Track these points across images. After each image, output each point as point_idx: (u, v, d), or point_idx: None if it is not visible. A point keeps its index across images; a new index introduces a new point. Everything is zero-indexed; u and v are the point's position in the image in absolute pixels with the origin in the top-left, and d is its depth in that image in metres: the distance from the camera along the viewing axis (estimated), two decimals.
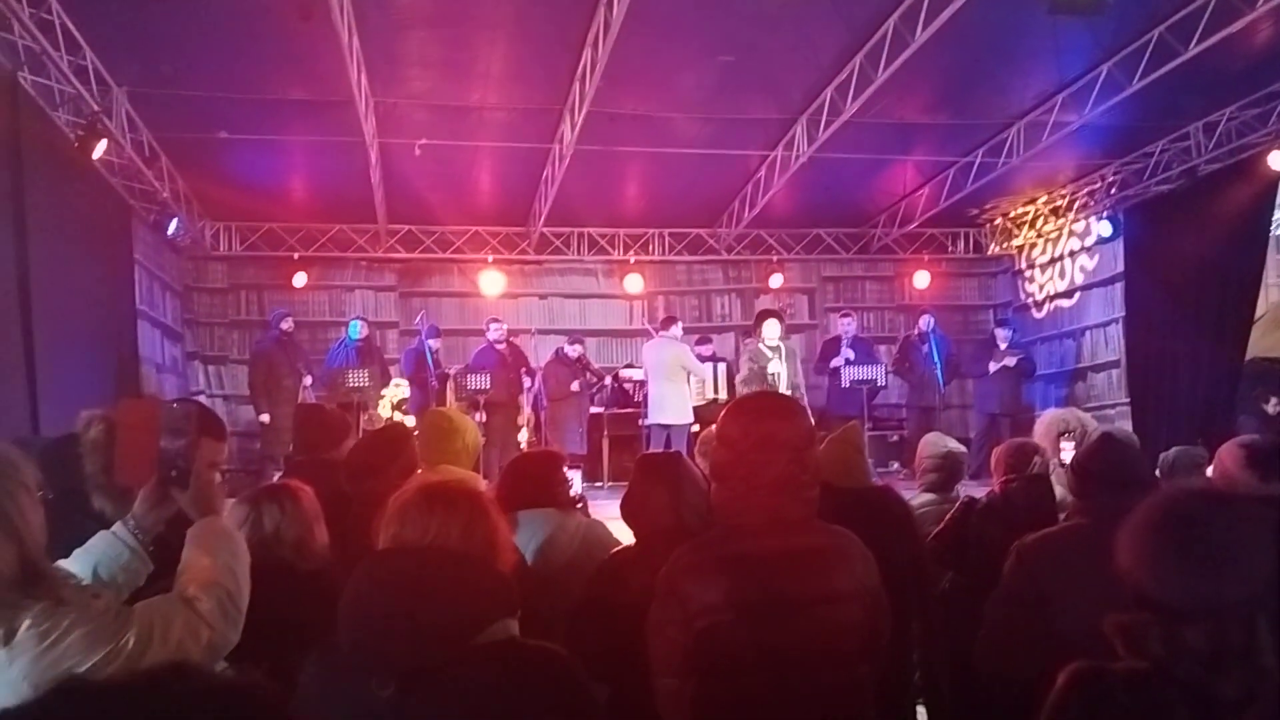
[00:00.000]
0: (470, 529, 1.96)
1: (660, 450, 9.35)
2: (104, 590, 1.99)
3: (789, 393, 8.95)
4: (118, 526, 2.14)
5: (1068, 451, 4.37)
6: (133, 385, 9.59)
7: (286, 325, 11.17)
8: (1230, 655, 1.58)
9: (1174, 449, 5.17)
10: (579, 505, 3.78)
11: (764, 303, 13.31)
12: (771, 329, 9.57)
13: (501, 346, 11.02)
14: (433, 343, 11.11)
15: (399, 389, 11.58)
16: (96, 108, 7.64)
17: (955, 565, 3.80)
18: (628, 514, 2.96)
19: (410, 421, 10.87)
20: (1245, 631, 1.59)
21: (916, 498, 4.76)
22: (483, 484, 4.03)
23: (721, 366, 11.39)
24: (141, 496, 2.14)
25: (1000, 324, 12.33)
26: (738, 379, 10.01)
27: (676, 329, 10.84)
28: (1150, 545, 1.69)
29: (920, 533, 3.68)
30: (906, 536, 3.43)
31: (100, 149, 7.89)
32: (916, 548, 3.48)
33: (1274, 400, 9.79)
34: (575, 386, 11.05)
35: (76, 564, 2.09)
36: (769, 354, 9.50)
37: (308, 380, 10.95)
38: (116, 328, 9.55)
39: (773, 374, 9.43)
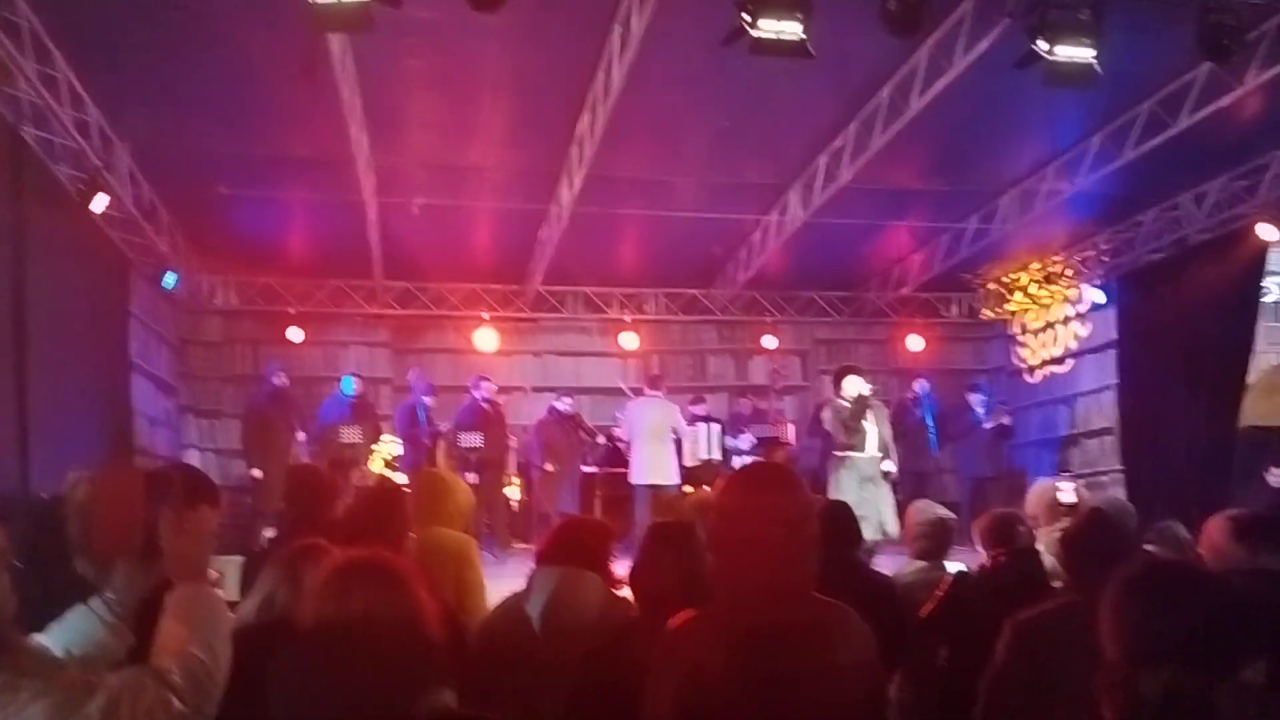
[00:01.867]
0: (390, 601, 1.93)
1: (643, 521, 9.27)
2: (73, 661, 1.94)
3: (879, 455, 8.60)
4: (94, 600, 2.09)
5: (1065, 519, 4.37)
6: (124, 439, 9.54)
7: (280, 380, 11.15)
8: (1183, 704, 1.65)
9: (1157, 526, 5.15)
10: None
11: (757, 365, 13.37)
12: (852, 385, 8.78)
13: (487, 405, 11.00)
14: (426, 400, 11.09)
15: (391, 445, 11.53)
16: (98, 162, 7.71)
17: (949, 641, 3.77)
18: (636, 581, 2.97)
19: (402, 479, 10.83)
20: (1199, 681, 1.66)
21: (908, 566, 4.73)
22: (475, 548, 4.01)
23: (715, 427, 11.36)
24: (121, 568, 2.09)
25: (972, 389, 12.27)
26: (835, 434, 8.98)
27: (663, 390, 10.85)
28: (1116, 603, 1.78)
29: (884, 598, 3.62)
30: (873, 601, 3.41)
31: (101, 203, 7.95)
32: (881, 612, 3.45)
33: (1275, 471, 9.76)
34: (549, 468, 10.97)
35: (51, 640, 2.04)
36: (845, 405, 8.72)
37: (301, 436, 10.90)
38: (110, 381, 9.52)
39: (864, 431, 8.62)
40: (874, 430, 8.67)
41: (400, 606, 1.95)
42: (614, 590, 3.25)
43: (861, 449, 8.61)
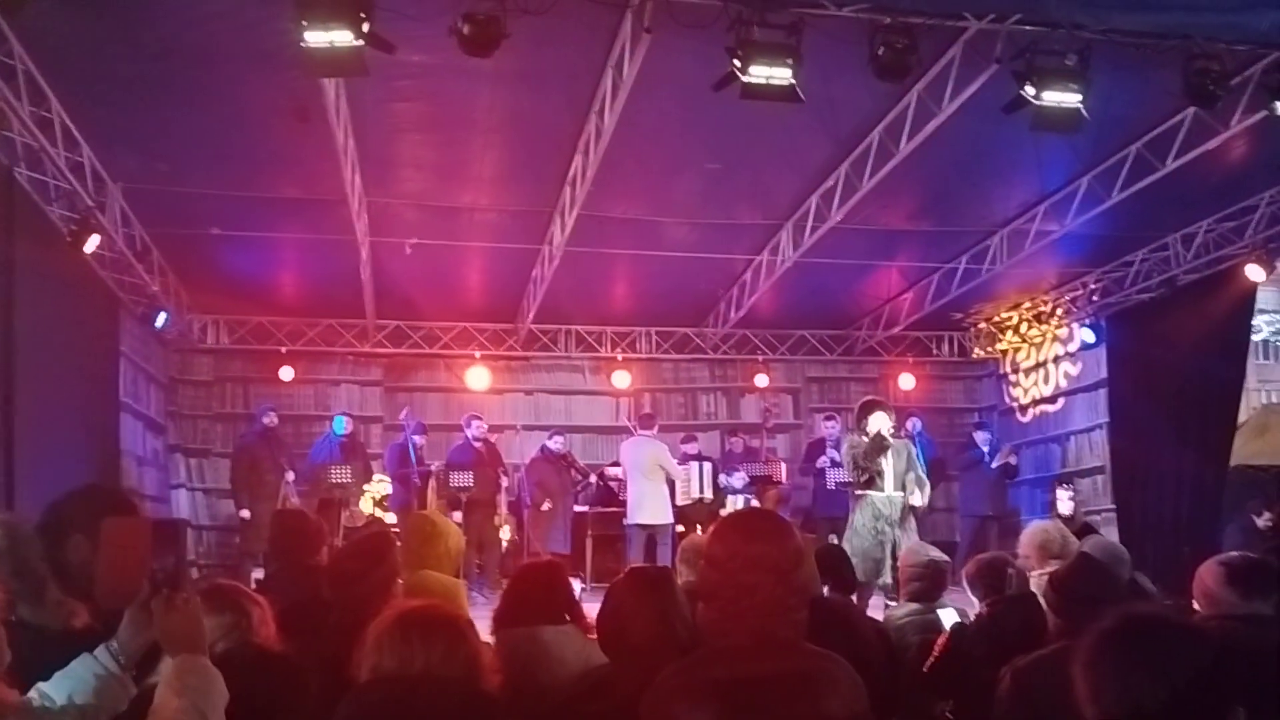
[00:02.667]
0: (450, 654, 1.93)
1: (635, 560, 9.21)
2: (66, 715, 1.91)
3: (898, 493, 8.28)
4: (100, 650, 2.07)
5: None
6: (112, 478, 9.47)
7: (269, 420, 11.12)
8: None
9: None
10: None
11: (749, 403, 13.37)
12: (878, 421, 8.43)
13: (479, 444, 10.97)
14: (417, 439, 11.05)
15: (381, 485, 11.48)
16: (91, 203, 7.72)
17: (953, 693, 3.74)
18: (607, 627, 2.85)
19: (391, 518, 10.77)
20: None
21: (900, 608, 4.71)
22: (464, 594, 3.98)
23: (707, 466, 11.34)
24: (127, 618, 2.07)
25: (979, 426, 12.35)
26: (844, 474, 8.85)
27: (655, 428, 10.83)
28: (1105, 666, 1.76)
29: (871, 646, 3.57)
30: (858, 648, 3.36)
31: (93, 244, 7.95)
32: (868, 657, 3.40)
33: (1266, 515, 9.77)
34: (546, 506, 10.89)
35: (54, 688, 2.02)
36: (862, 442, 8.39)
37: (290, 476, 10.85)
38: (98, 420, 9.48)
39: (880, 470, 8.29)
40: (891, 469, 8.36)
41: (459, 659, 1.94)
42: (587, 635, 3.18)
43: (880, 488, 8.33)
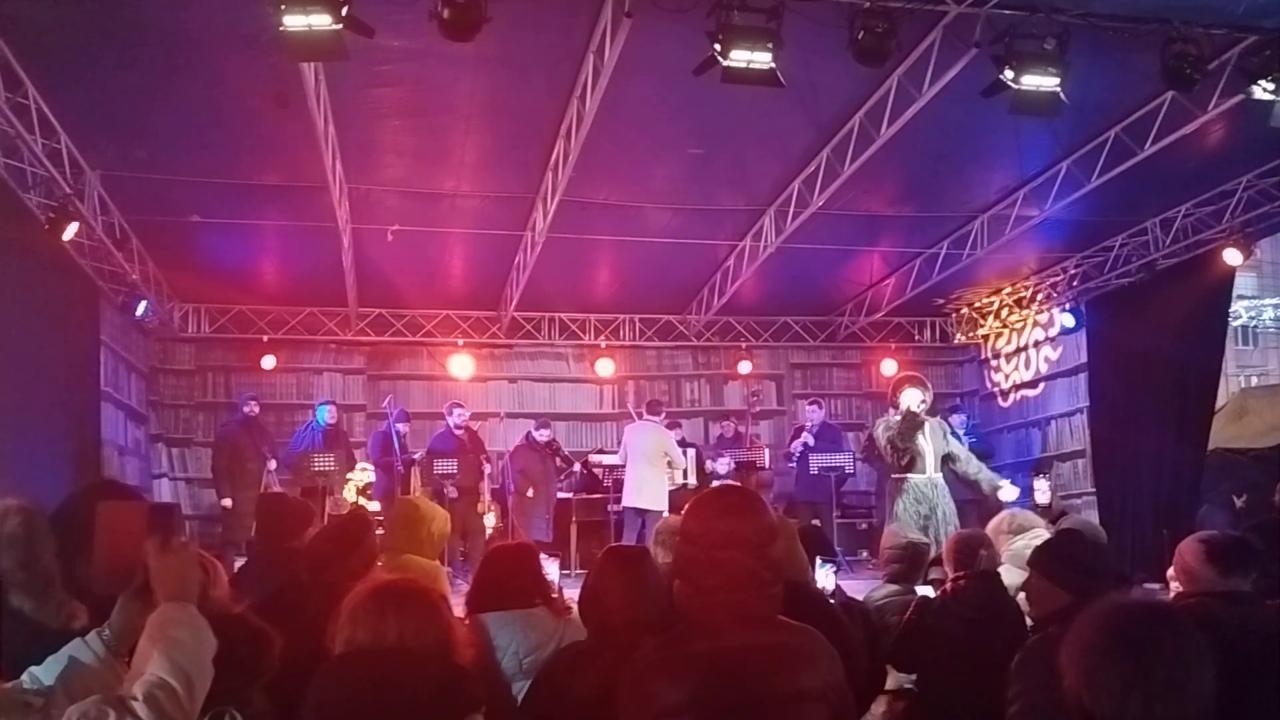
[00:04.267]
0: (423, 627, 1.94)
1: (628, 543, 9.22)
2: (40, 697, 1.90)
3: (938, 474, 7.85)
4: (91, 635, 2.05)
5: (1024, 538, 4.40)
6: (93, 468, 9.43)
7: (250, 409, 11.08)
8: None
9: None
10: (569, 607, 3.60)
11: (732, 390, 13.40)
12: (910, 397, 8.02)
13: (461, 432, 10.96)
14: (401, 427, 11.03)
15: (364, 473, 11.47)
16: (69, 190, 7.66)
17: (917, 667, 3.77)
18: (586, 605, 2.89)
19: (374, 507, 10.76)
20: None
21: (879, 589, 4.75)
22: (444, 576, 3.99)
23: (691, 452, 11.36)
24: (121, 603, 2.05)
25: (954, 410, 12.33)
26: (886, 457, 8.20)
27: (662, 415, 10.82)
28: (1103, 669, 1.70)
29: (845, 628, 3.56)
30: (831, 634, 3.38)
31: (71, 231, 7.89)
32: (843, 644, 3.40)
33: (1245, 495, 9.87)
34: (530, 494, 10.88)
35: (45, 672, 2.01)
36: (895, 420, 7.99)
37: (272, 464, 10.83)
38: (79, 409, 9.43)
39: (919, 451, 7.86)
40: (931, 449, 7.94)
41: (432, 632, 1.95)
42: (560, 615, 3.18)
43: (921, 470, 7.89)
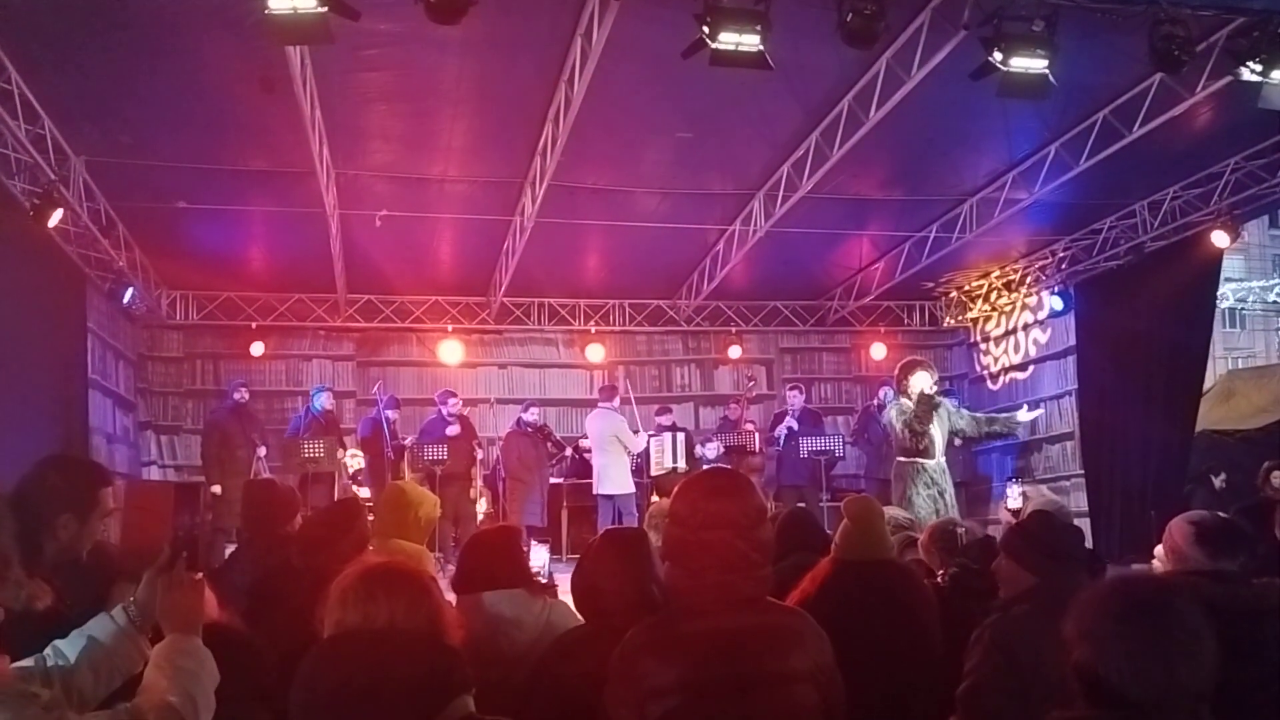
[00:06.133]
0: (413, 609, 1.94)
1: (623, 526, 9.24)
2: (46, 690, 1.90)
3: (944, 459, 7.87)
4: (116, 610, 2.06)
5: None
6: (82, 455, 9.39)
7: (240, 396, 11.05)
8: None
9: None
10: (552, 588, 3.62)
11: (722, 375, 13.41)
12: (920, 381, 8.06)
13: (454, 419, 10.95)
14: (390, 413, 11.01)
15: (355, 459, 11.45)
16: (53, 176, 7.61)
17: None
18: (582, 590, 2.88)
19: (365, 493, 10.75)
20: None
21: None
22: (429, 558, 3.99)
23: (681, 436, 11.37)
24: (146, 580, 2.06)
25: (946, 394, 12.36)
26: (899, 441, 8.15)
27: (616, 400, 10.87)
28: (1121, 636, 1.70)
29: (934, 609, 3.55)
30: (919, 608, 3.38)
31: (56, 218, 7.84)
32: (931, 623, 3.40)
33: (1223, 475, 9.92)
34: (520, 480, 10.90)
35: (69, 646, 2.02)
36: (910, 405, 7.97)
37: (262, 451, 10.80)
38: (67, 398, 9.38)
39: (931, 435, 7.81)
40: (940, 434, 7.94)
41: (422, 613, 1.95)
42: (539, 597, 3.18)
43: (931, 455, 7.89)
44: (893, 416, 8.14)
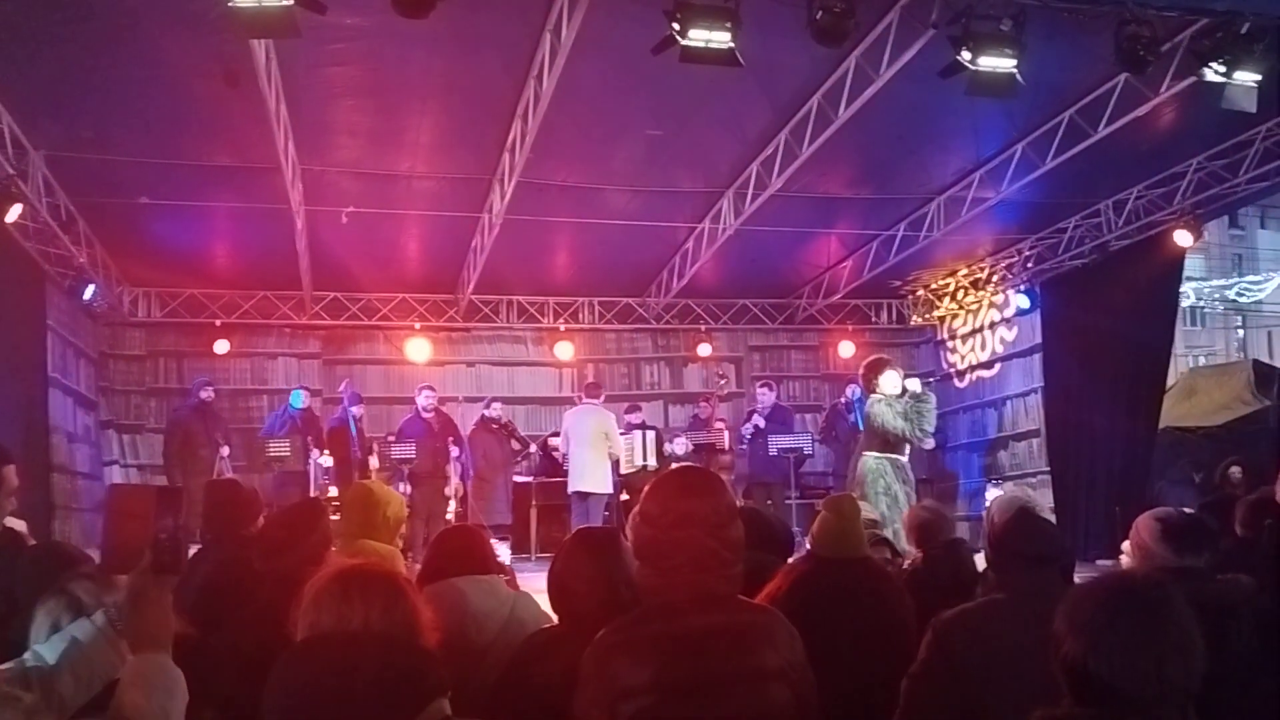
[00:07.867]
0: (388, 611, 1.90)
1: (598, 525, 9.21)
2: (28, 693, 1.87)
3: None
4: (97, 614, 2.04)
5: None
6: (41, 456, 9.25)
7: (206, 394, 10.92)
8: None
9: None
10: (507, 579, 3.65)
11: (691, 373, 13.41)
12: (892, 380, 8.08)
13: (429, 415, 10.87)
14: (355, 410, 10.89)
15: (324, 459, 11.33)
16: (11, 171, 7.47)
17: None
18: (555, 590, 2.86)
19: (332, 491, 10.64)
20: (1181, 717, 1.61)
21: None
22: (400, 560, 3.94)
23: (650, 434, 11.36)
24: (128, 583, 2.03)
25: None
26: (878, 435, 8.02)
27: (602, 397, 10.82)
28: (1113, 629, 1.70)
29: (908, 602, 3.56)
30: (894, 606, 3.38)
31: (14, 214, 7.72)
32: (905, 620, 3.40)
33: (1203, 473, 10.05)
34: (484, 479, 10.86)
35: (49, 650, 1.99)
36: (898, 401, 7.95)
37: (225, 450, 10.68)
38: (26, 396, 9.23)
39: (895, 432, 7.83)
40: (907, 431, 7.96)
41: (398, 615, 1.92)
42: (505, 586, 3.16)
43: (903, 451, 7.94)
44: (885, 414, 7.98)
